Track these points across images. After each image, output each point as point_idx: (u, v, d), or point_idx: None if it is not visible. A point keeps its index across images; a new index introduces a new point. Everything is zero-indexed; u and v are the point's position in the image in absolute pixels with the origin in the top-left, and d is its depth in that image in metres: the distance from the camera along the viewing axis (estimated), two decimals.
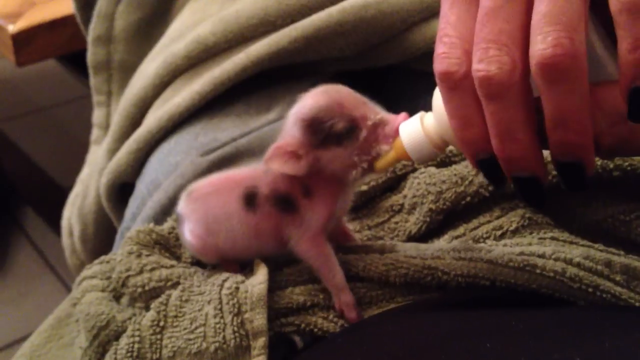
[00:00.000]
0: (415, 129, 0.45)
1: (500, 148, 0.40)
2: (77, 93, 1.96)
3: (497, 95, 0.38)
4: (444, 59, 0.40)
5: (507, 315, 0.44)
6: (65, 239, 0.84)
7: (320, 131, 0.47)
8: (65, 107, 2.04)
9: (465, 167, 0.56)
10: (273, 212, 0.50)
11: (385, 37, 0.69)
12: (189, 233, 0.53)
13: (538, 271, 0.48)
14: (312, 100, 0.47)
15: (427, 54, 0.70)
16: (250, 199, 0.51)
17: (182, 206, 0.54)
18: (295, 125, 0.47)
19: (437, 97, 0.44)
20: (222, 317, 0.49)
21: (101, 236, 0.80)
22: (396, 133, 0.46)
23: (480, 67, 0.38)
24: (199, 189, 0.54)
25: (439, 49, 0.40)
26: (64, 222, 0.85)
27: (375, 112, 0.47)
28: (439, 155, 0.45)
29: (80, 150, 1.13)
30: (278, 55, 0.67)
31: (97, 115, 0.84)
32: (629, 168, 0.54)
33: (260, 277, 0.50)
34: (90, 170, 0.82)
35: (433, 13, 0.70)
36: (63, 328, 0.59)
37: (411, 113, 0.47)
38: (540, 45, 0.36)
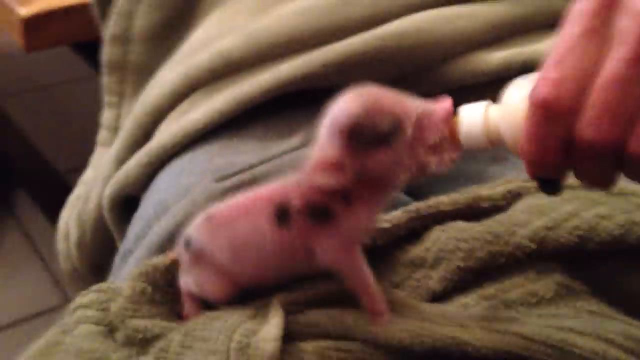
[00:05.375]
0: (476, 119, 0.44)
1: (580, 180, 0.41)
2: (82, 73, 1.91)
3: (594, 159, 0.38)
4: (555, 86, 0.38)
5: None
6: (60, 243, 0.80)
7: (364, 136, 0.43)
8: (69, 87, 1.99)
9: (499, 224, 0.53)
10: (307, 226, 0.47)
11: (422, 67, 0.65)
12: (209, 268, 0.49)
13: (577, 351, 0.45)
14: (347, 107, 0.44)
15: (461, 89, 0.66)
16: (282, 215, 0.47)
17: (200, 235, 0.50)
18: (334, 135, 0.44)
19: (513, 101, 0.42)
20: None
21: (99, 246, 0.76)
22: (444, 121, 0.44)
23: (588, 133, 0.37)
24: (222, 214, 0.50)
25: (551, 74, 0.38)
26: (61, 224, 0.81)
27: (416, 104, 0.44)
28: (486, 149, 0.45)
29: (80, 134, 1.09)
30: (307, 79, 0.63)
31: (107, 116, 0.80)
32: None
33: (274, 331, 0.46)
34: (94, 175, 0.78)
35: (472, 47, 0.66)
36: (53, 355, 0.55)
37: None
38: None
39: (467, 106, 0.44)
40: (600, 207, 0.52)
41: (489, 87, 0.65)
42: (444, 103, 0.44)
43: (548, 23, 0.67)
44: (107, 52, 0.78)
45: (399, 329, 0.46)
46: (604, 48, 0.37)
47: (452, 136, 0.44)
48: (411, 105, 0.44)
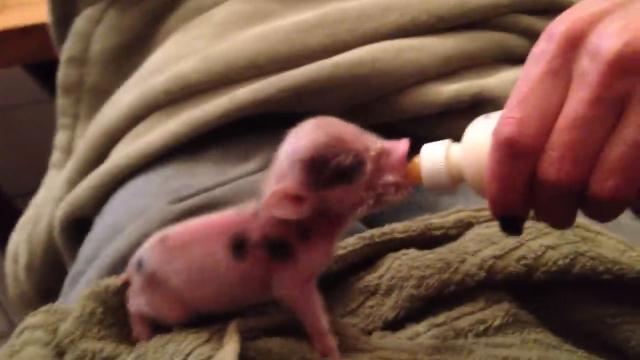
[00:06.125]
0: (438, 158, 0.44)
1: (540, 219, 0.42)
2: (34, 96, 1.89)
3: (556, 199, 0.39)
4: (518, 125, 0.38)
5: None
6: (9, 265, 0.79)
7: (325, 170, 0.43)
8: (20, 110, 1.96)
9: (450, 252, 0.54)
10: (263, 259, 0.46)
11: (376, 96, 0.67)
12: (163, 291, 0.48)
13: None
14: (308, 137, 0.43)
15: (416, 119, 0.67)
16: (238, 246, 0.46)
17: (154, 258, 0.49)
18: (294, 166, 0.43)
19: (476, 139, 0.43)
20: None
21: (49, 268, 0.75)
22: (401, 163, 0.44)
23: (550, 173, 0.38)
24: (177, 237, 0.49)
25: (515, 113, 0.39)
26: (10, 247, 0.79)
27: (374, 141, 0.44)
28: (449, 191, 0.45)
29: (31, 158, 1.07)
30: (263, 104, 0.64)
31: (61, 138, 0.79)
32: (619, 272, 0.52)
33: (228, 356, 0.45)
34: (45, 196, 0.77)
35: (428, 77, 0.67)
36: None
37: None
38: (605, 185, 0.38)
39: (428, 145, 0.44)
40: (546, 237, 0.54)
41: (440, 118, 0.67)
42: (403, 143, 0.44)
43: (497, 58, 0.70)
44: (62, 74, 0.77)
45: None
46: (566, 88, 0.38)
47: (412, 175, 0.44)
48: (371, 142, 0.44)
